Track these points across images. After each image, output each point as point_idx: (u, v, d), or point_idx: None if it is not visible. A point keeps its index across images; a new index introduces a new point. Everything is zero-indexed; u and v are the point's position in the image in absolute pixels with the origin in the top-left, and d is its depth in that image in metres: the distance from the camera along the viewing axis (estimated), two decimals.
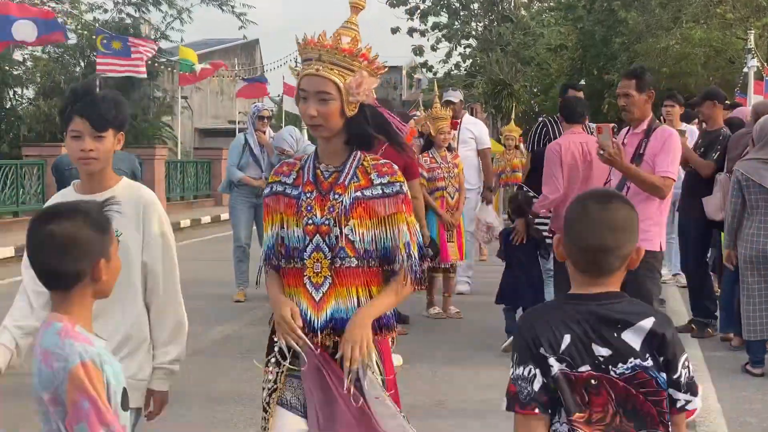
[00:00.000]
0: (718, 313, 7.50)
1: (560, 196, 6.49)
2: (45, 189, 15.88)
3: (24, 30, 14.42)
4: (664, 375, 2.27)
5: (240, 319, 8.37)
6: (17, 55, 23.57)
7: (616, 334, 2.26)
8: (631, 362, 2.25)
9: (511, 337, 6.84)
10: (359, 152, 2.98)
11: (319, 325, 2.88)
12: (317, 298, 2.89)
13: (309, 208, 2.92)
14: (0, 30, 14.29)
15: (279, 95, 35.56)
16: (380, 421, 2.87)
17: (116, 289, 2.97)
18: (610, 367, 2.25)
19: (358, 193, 2.91)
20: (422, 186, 8.07)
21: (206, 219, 19.69)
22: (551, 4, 36.66)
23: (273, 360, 2.98)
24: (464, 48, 38.60)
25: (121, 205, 3.00)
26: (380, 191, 2.91)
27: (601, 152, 5.47)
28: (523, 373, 2.30)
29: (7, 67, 23.26)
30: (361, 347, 2.83)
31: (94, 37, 20.65)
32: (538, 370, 2.28)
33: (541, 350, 2.28)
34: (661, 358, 2.26)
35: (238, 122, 28.66)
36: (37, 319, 3.03)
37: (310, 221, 2.91)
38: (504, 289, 7.27)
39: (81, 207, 2.35)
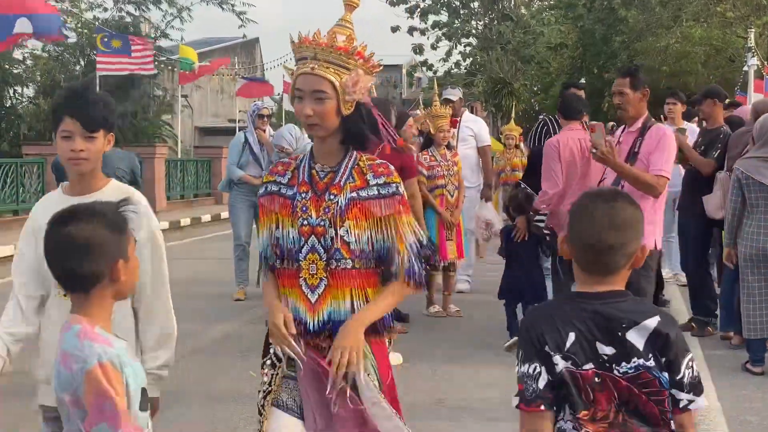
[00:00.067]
0: (718, 312, 7.50)
1: (560, 191, 6.49)
2: (45, 187, 15.87)
3: (23, 25, 14.38)
4: (666, 375, 2.27)
5: (240, 317, 8.37)
6: (17, 54, 23.55)
7: (620, 333, 2.25)
8: (634, 362, 2.25)
9: (515, 337, 6.87)
10: (355, 152, 2.95)
11: (315, 328, 2.86)
12: (313, 300, 2.87)
13: (304, 208, 2.89)
14: (3, 28, 14.24)
15: (279, 94, 35.59)
16: (376, 423, 2.86)
17: None
18: (613, 365, 2.25)
19: (354, 194, 2.87)
20: (422, 184, 8.08)
21: (206, 217, 19.67)
22: (551, 2, 36.64)
23: (268, 362, 2.97)
24: (464, 46, 38.63)
25: None
26: (376, 192, 2.88)
27: (594, 151, 5.48)
28: (528, 370, 2.30)
29: (7, 66, 23.24)
30: (350, 355, 2.80)
31: (94, 35, 20.63)
32: (543, 368, 2.28)
33: (546, 348, 2.28)
34: (664, 359, 2.26)
35: (238, 121, 28.65)
36: (28, 324, 3.03)
37: (305, 222, 2.87)
38: (505, 287, 7.29)
39: (97, 208, 2.36)
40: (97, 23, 23.28)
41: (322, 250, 2.85)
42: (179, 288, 9.34)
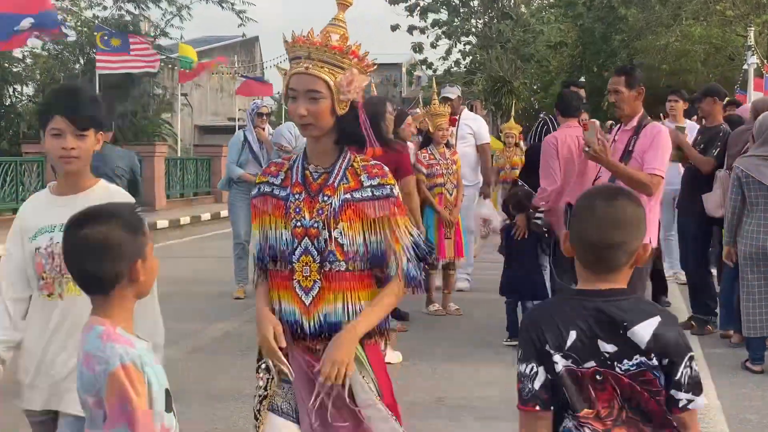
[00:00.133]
0: (718, 310, 7.50)
1: (557, 188, 6.49)
2: (45, 186, 15.85)
3: (23, 24, 14.35)
4: (664, 376, 2.26)
5: (240, 316, 8.37)
6: (17, 52, 23.53)
7: (621, 332, 2.25)
8: (636, 359, 2.24)
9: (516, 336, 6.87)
10: (349, 152, 2.92)
11: (311, 330, 2.84)
12: (307, 302, 2.84)
13: (297, 210, 2.85)
14: (4, 28, 14.22)
15: (278, 93, 35.56)
16: (372, 425, 2.84)
17: (86, 296, 2.95)
18: (615, 363, 2.25)
19: (348, 195, 2.84)
20: (421, 183, 8.08)
21: (206, 216, 19.68)
22: (551, 1, 36.67)
23: (263, 366, 2.95)
24: (464, 45, 38.62)
25: None
26: (370, 193, 2.85)
27: (587, 149, 5.49)
28: (525, 370, 2.30)
29: (6, 64, 23.22)
30: (340, 370, 2.77)
31: (94, 33, 20.61)
32: (540, 368, 2.28)
33: (547, 347, 2.27)
34: (665, 359, 2.25)
35: (238, 119, 28.65)
36: (16, 330, 3.02)
37: (299, 223, 2.84)
38: (505, 285, 7.29)
39: (114, 209, 2.36)
40: (96, 21, 23.27)
41: (316, 252, 2.82)
42: (179, 287, 9.38)
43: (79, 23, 24.37)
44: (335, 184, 2.86)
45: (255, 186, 3.02)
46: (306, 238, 2.83)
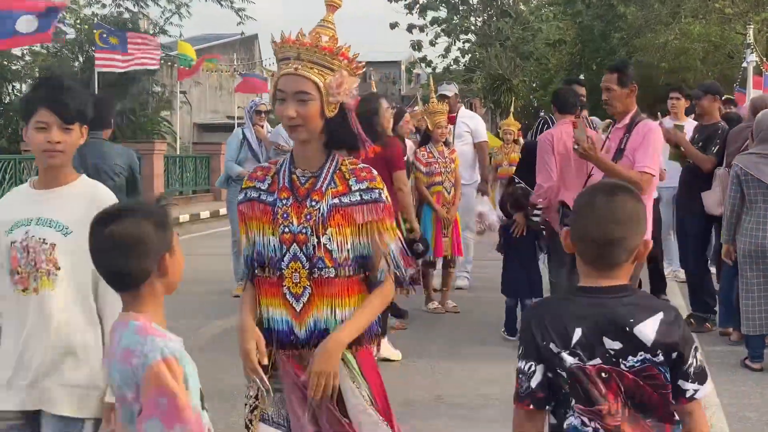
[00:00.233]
0: (717, 308, 7.50)
1: (553, 184, 6.49)
2: None
3: (25, 24, 14.28)
4: (670, 370, 2.27)
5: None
6: (16, 50, 23.51)
7: (627, 328, 2.24)
8: (640, 355, 2.24)
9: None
10: (337, 156, 2.86)
11: (303, 337, 2.80)
12: (298, 309, 2.79)
13: (285, 215, 2.80)
14: (4, 27, 14.16)
15: None
16: (363, 431, 2.81)
17: (66, 293, 2.90)
18: (620, 360, 2.24)
19: (336, 200, 2.78)
20: (420, 181, 8.08)
21: (205, 214, 19.68)
22: None
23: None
24: (463, 43, 38.68)
25: (76, 202, 2.94)
26: (359, 197, 2.79)
27: (576, 147, 5.49)
28: (524, 368, 2.30)
29: (5, 62, 23.23)
30: (327, 382, 2.74)
31: (94, 31, 20.61)
32: (539, 366, 2.28)
33: (551, 345, 2.26)
34: (674, 352, 2.26)
35: (237, 117, 28.63)
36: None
37: (287, 229, 2.78)
38: (505, 282, 7.30)
39: (139, 205, 2.35)
40: (95, 19, 23.26)
41: (305, 258, 2.76)
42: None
43: (78, 21, 24.36)
44: (323, 189, 2.81)
45: (241, 191, 2.94)
46: (294, 244, 2.78)
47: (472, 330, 7.70)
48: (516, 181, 7.73)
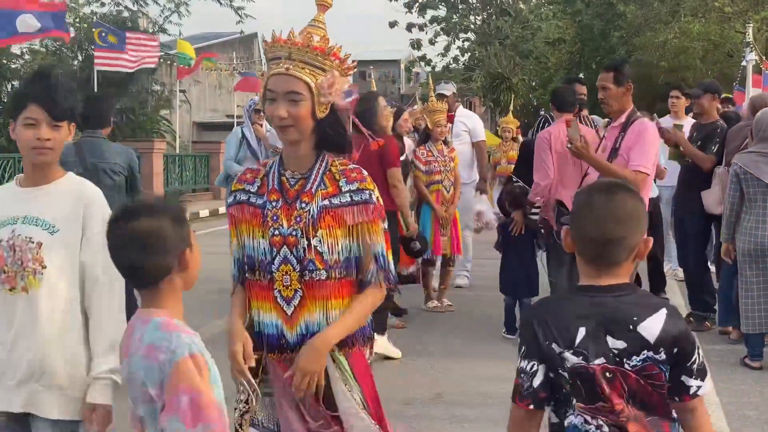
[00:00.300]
0: (716, 307, 7.50)
1: (550, 182, 6.49)
2: None
3: (27, 23, 14.24)
4: (670, 369, 2.27)
5: None
6: (15, 48, 23.49)
7: (632, 326, 2.24)
8: (643, 354, 2.23)
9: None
10: (327, 157, 2.83)
11: (294, 340, 2.77)
12: (289, 312, 2.76)
13: (275, 218, 2.77)
14: (5, 26, 14.12)
15: None
16: None
17: (52, 292, 2.87)
18: (624, 359, 2.24)
19: (326, 202, 2.75)
20: (419, 179, 8.07)
21: (204, 212, 19.68)
22: None
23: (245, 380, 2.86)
24: (462, 42, 38.69)
25: (62, 200, 2.91)
26: (349, 199, 2.76)
27: (569, 145, 5.49)
28: (525, 367, 2.29)
29: (4, 61, 23.20)
30: (311, 381, 2.72)
31: (93, 30, 20.59)
32: (541, 366, 2.27)
33: (554, 345, 2.25)
34: (676, 349, 2.25)
35: (237, 116, 28.62)
36: None
37: (277, 232, 2.75)
38: (503, 281, 7.30)
39: (156, 201, 2.34)
40: (95, 18, 23.25)
41: (295, 261, 2.73)
42: None
43: (77, 19, 24.34)
44: (313, 190, 2.77)
45: (230, 194, 2.91)
46: (284, 246, 2.75)
47: (472, 328, 7.71)
48: (514, 179, 7.72)
